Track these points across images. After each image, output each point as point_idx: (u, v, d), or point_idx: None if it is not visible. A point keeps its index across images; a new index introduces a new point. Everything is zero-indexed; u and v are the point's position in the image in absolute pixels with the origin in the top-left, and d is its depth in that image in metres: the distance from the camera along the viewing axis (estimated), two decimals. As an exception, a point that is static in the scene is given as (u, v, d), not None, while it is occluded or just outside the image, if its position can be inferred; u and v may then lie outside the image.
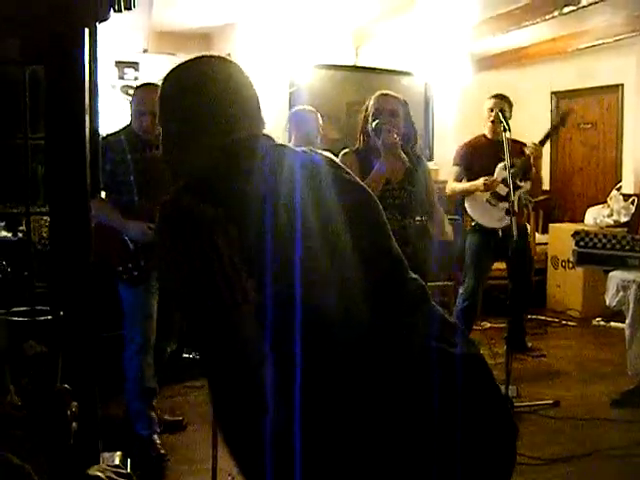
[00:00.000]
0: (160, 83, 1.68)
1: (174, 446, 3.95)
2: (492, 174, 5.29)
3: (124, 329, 3.94)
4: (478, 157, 5.45)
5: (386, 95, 3.62)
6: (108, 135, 3.91)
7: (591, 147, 8.27)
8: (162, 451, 3.82)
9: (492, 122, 5.34)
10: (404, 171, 3.57)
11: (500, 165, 5.15)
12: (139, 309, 3.89)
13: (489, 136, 5.47)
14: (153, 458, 3.76)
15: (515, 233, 4.43)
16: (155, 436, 3.88)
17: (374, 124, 3.49)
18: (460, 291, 5.52)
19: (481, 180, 5.23)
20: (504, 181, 4.94)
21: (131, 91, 7.00)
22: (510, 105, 5.43)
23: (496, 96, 5.47)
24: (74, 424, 1.40)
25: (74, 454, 1.46)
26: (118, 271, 3.84)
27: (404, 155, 3.49)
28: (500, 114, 4.75)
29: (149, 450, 3.79)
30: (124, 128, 3.99)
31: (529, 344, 6.02)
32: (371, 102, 3.60)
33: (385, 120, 3.48)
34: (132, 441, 3.74)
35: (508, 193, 4.59)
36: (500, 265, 5.68)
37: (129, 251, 3.83)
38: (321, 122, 5.15)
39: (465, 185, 5.42)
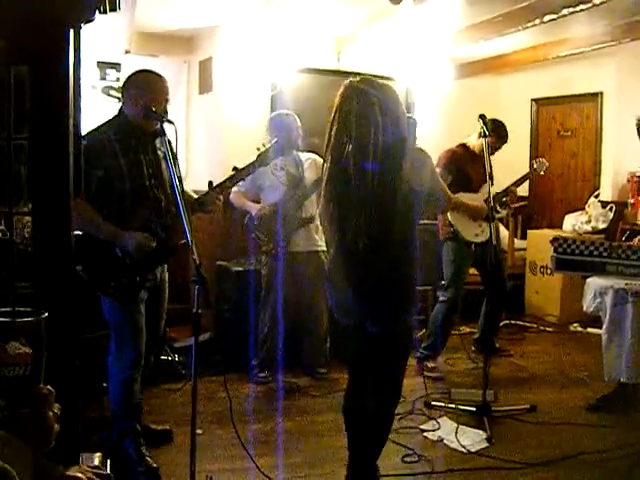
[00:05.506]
0: None
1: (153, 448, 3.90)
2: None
3: (111, 346, 3.68)
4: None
5: None
6: (88, 133, 3.44)
7: (570, 154, 8.34)
8: (154, 465, 3.62)
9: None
10: None
11: (484, 185, 5.17)
12: (130, 326, 3.61)
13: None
14: (144, 473, 3.58)
15: (494, 240, 4.47)
16: (143, 449, 3.70)
17: None
18: (442, 298, 5.54)
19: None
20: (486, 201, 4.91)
21: (113, 92, 6.96)
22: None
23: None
24: (57, 426, 1.39)
25: (54, 455, 1.46)
26: (111, 287, 3.51)
27: None
28: (481, 119, 4.77)
29: (140, 465, 3.61)
30: (109, 124, 3.60)
31: (497, 345, 6.07)
32: None
33: None
34: (121, 456, 3.62)
35: (487, 199, 4.63)
36: (473, 271, 5.73)
37: (123, 265, 3.50)
38: (299, 124, 5.17)
39: (468, 203, 5.32)
